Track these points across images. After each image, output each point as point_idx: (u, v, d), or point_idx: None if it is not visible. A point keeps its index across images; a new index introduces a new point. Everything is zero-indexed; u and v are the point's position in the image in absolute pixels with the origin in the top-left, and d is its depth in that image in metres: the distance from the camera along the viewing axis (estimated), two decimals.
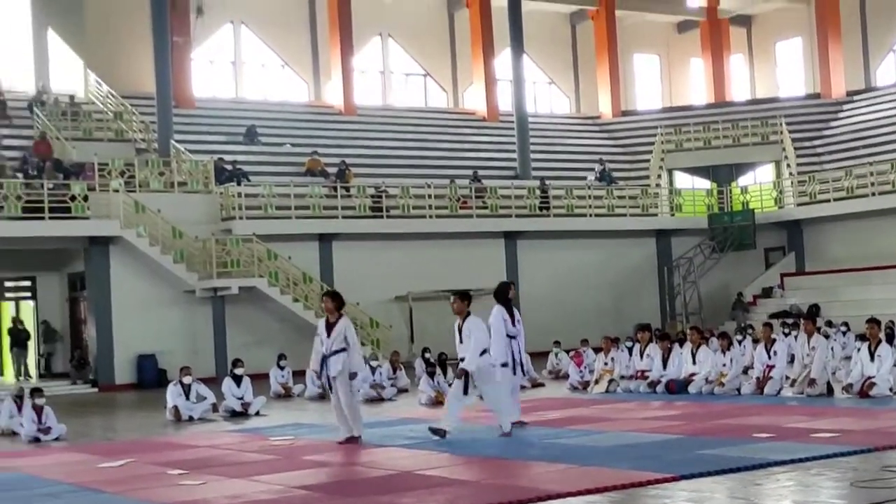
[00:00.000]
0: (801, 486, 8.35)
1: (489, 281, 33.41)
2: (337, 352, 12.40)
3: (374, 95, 42.39)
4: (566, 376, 20.87)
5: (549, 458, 10.16)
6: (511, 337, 13.13)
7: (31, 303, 31.05)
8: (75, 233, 27.21)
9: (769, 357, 16.34)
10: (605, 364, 19.17)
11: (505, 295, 13.54)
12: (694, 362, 17.24)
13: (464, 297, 12.88)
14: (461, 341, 12.56)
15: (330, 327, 12.53)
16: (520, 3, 38.52)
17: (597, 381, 18.96)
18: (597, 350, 20.27)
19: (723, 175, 40.15)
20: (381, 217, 31.75)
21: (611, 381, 18.66)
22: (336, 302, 12.68)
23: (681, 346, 18.02)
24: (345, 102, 39.77)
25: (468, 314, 12.62)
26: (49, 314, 30.56)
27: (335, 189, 31.91)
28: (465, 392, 12.38)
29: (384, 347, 27.13)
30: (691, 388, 16.86)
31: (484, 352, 12.41)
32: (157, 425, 17.13)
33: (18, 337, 29.36)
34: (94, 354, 27.91)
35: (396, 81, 43.39)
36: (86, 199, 27.11)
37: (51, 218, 26.55)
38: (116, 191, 27.73)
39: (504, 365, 12.88)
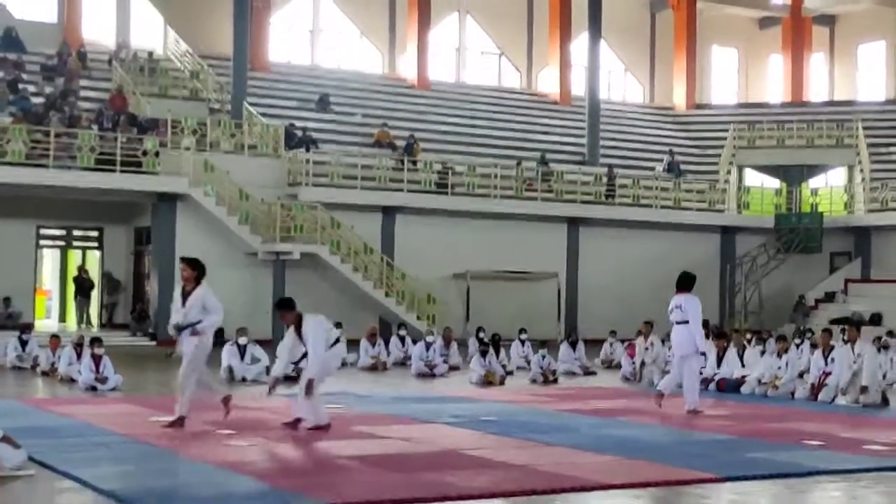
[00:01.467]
0: (849, 497, 8.27)
1: (549, 264, 33.69)
2: (193, 324, 11.62)
3: (448, 71, 42.33)
4: (619, 366, 20.83)
5: (595, 448, 10.15)
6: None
7: (97, 253, 31.57)
8: (145, 188, 27.61)
9: (826, 363, 16.11)
10: (646, 349, 19.27)
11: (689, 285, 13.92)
12: (742, 364, 17.13)
13: (287, 305, 12.04)
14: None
15: (186, 296, 11.76)
16: None
17: (642, 366, 19.01)
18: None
19: (793, 175, 39.56)
20: (446, 194, 31.77)
21: (643, 364, 18.72)
22: (196, 270, 11.88)
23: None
24: (418, 76, 39.78)
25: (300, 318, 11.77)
26: (113, 266, 31.04)
27: (402, 162, 31.99)
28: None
29: (439, 323, 27.16)
30: (744, 389, 16.72)
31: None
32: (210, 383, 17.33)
33: (83, 286, 29.95)
34: (155, 308, 28.33)
35: (471, 59, 43.29)
36: (157, 155, 27.48)
37: (122, 171, 26.95)
38: (187, 149, 28.07)
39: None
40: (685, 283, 14.04)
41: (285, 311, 12.01)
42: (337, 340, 11.85)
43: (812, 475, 9.00)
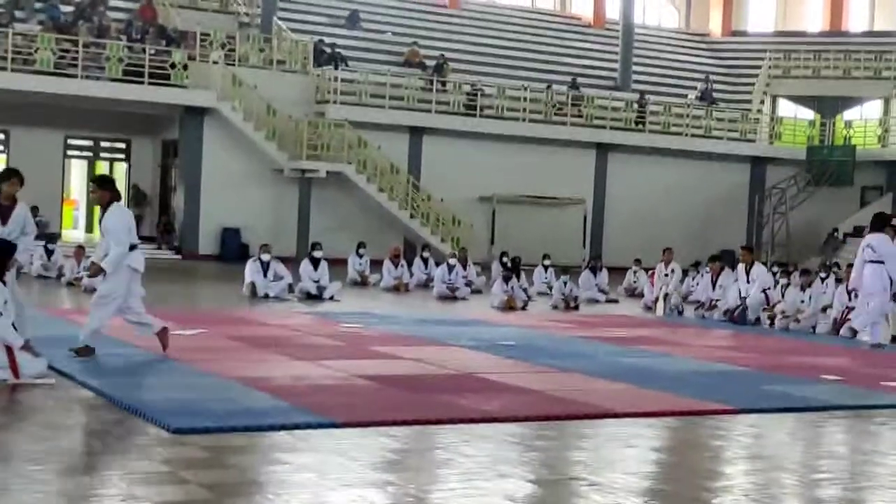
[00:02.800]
0: (864, 433, 8.25)
1: (576, 190, 33.54)
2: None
3: None
4: (642, 295, 20.80)
5: (611, 376, 10.15)
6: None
7: (124, 165, 31.69)
8: (172, 100, 27.58)
9: (850, 299, 16.00)
10: (666, 275, 19.38)
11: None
12: (748, 280, 17.10)
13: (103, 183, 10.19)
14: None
15: (7, 211, 9.71)
16: None
17: (662, 298, 18.92)
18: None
19: (828, 107, 39.02)
20: (475, 116, 31.57)
21: (665, 296, 18.63)
22: (105, 189, 10.03)
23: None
24: None
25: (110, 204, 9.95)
26: (140, 178, 31.17)
27: (431, 83, 31.74)
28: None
29: (463, 246, 27.22)
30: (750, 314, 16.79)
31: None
32: (232, 299, 17.51)
33: None
34: (181, 222, 28.49)
35: None
36: (185, 67, 27.40)
37: (150, 83, 26.91)
38: (216, 63, 27.95)
39: None
40: (879, 223, 14.07)
41: (101, 189, 10.04)
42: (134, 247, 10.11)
43: (828, 409, 8.98)
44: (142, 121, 29.83)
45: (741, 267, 17.40)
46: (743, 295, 17.08)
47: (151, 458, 6.25)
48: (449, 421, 7.65)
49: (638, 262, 23.51)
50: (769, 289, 17.31)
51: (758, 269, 17.47)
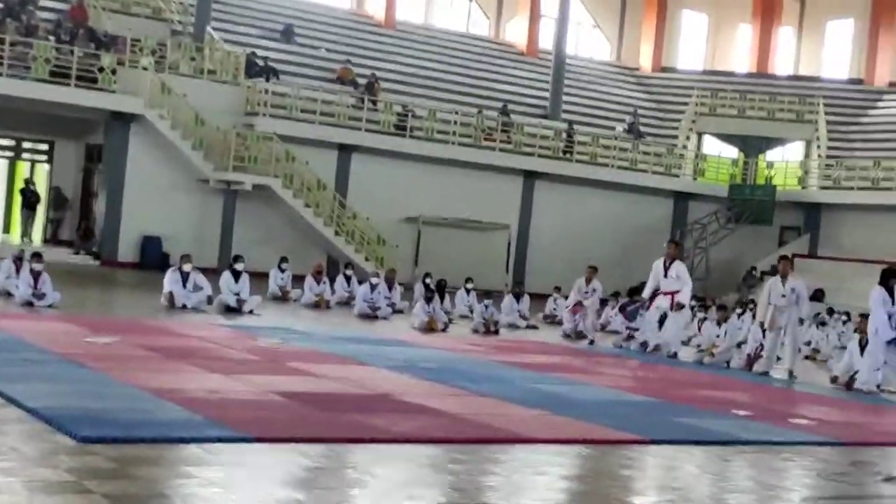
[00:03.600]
0: (769, 468, 8.39)
1: (501, 216, 33.68)
2: None
3: (416, 12, 41.94)
4: (562, 322, 20.95)
5: (526, 402, 10.20)
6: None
7: (46, 167, 31.13)
8: (99, 104, 27.19)
9: (764, 335, 16.30)
10: (586, 292, 19.32)
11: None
12: (665, 276, 16.85)
13: None
14: None
15: None
16: None
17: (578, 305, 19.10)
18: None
19: (752, 146, 39.83)
20: (404, 136, 31.61)
21: (579, 303, 18.90)
22: None
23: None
24: (386, 15, 39.40)
25: None
26: (62, 181, 30.64)
27: (362, 101, 31.74)
28: None
29: (388, 266, 27.18)
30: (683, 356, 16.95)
31: None
32: (150, 308, 17.27)
33: (29, 199, 29.49)
34: (101, 228, 28.04)
35: (440, 1, 42.90)
36: (114, 72, 27.05)
37: (76, 86, 26.51)
38: (146, 69, 27.63)
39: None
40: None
41: None
42: None
43: (736, 444, 9.12)
44: (67, 123, 29.33)
45: (659, 262, 17.00)
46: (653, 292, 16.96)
47: (56, 467, 6.13)
48: (362, 440, 7.63)
49: (558, 289, 23.70)
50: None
51: (678, 267, 16.96)
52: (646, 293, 17.19)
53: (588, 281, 19.73)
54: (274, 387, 9.63)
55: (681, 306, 16.91)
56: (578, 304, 20.71)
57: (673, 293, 16.71)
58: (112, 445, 6.71)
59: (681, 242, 17.76)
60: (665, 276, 16.78)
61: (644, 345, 17.43)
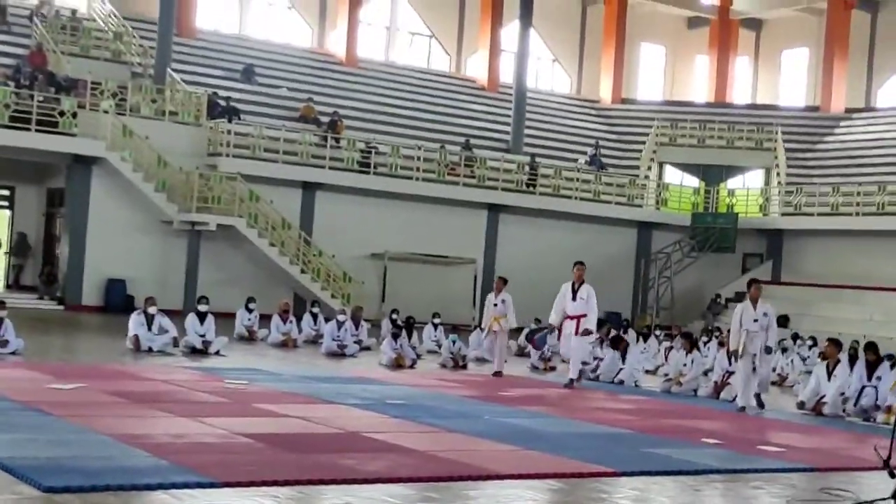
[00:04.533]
0: (739, 497, 8.41)
1: (467, 250, 33.71)
2: None
3: (378, 50, 42.14)
4: (530, 355, 20.96)
5: (496, 436, 10.18)
6: None
7: (6, 213, 30.88)
8: (60, 148, 27.06)
9: (730, 363, 16.37)
10: (495, 304, 18.04)
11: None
12: (574, 299, 16.37)
13: None
14: None
15: None
16: None
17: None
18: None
19: (712, 175, 40.21)
20: (368, 173, 31.65)
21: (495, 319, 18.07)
22: None
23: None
24: (347, 53, 39.55)
25: None
26: (24, 226, 30.42)
27: (325, 139, 31.77)
28: None
29: (354, 303, 27.13)
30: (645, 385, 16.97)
31: None
32: (115, 352, 17.11)
33: None
34: (64, 272, 27.83)
35: (401, 39, 43.15)
36: (74, 115, 26.95)
37: (37, 130, 26.38)
38: (106, 112, 27.55)
39: None
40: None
41: None
42: None
43: (706, 473, 9.14)
44: (28, 168, 29.16)
45: (567, 285, 16.50)
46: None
47: None
48: (332, 481, 7.58)
49: (538, 321, 23.71)
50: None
51: (588, 290, 16.30)
52: (553, 318, 16.57)
53: (498, 292, 18.25)
54: (241, 429, 9.55)
55: (587, 332, 16.32)
56: (533, 339, 20.61)
57: (579, 317, 16.16)
58: (78, 494, 6.62)
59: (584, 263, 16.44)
60: (574, 298, 16.23)
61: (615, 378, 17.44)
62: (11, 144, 26.32)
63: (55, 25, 31.81)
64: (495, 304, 18.00)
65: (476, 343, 21.06)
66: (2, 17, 32.13)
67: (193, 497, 6.87)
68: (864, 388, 14.68)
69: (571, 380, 16.20)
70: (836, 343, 15.35)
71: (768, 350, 14.73)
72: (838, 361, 15.18)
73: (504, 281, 18.49)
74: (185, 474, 7.38)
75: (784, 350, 22.54)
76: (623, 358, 17.88)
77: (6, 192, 30.91)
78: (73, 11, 33.36)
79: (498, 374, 17.44)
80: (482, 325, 19.39)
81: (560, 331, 16.63)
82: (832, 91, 43.44)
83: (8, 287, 29.31)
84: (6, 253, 30.17)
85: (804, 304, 33.29)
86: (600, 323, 19.64)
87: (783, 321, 30.79)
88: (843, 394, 14.76)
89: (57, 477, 6.94)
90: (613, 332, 19.92)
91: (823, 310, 32.69)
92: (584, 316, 16.13)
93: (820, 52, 44.51)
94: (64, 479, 6.91)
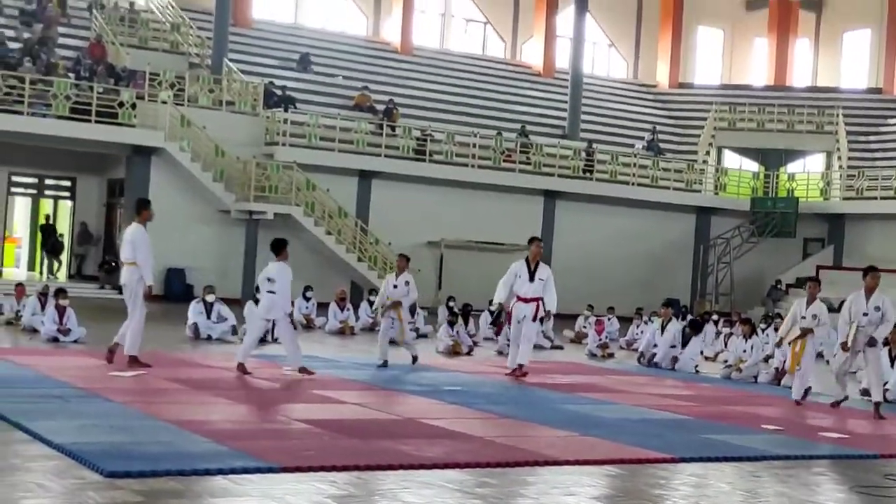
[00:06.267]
0: (801, 483, 8.29)
1: (523, 237, 33.39)
2: None
3: (433, 38, 42.09)
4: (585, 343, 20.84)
5: (553, 423, 10.15)
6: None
7: (69, 203, 31.33)
8: (120, 139, 27.37)
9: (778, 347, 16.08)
10: (395, 287, 15.50)
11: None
12: (532, 279, 14.75)
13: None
14: None
15: None
16: None
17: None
18: (622, 319, 20.28)
19: (772, 159, 39.70)
20: (424, 161, 31.65)
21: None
22: None
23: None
24: (402, 41, 39.55)
25: None
26: (86, 216, 30.82)
27: (381, 127, 31.82)
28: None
29: None
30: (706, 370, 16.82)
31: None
32: (174, 340, 17.29)
33: (49, 235, 29.69)
34: None
35: (456, 26, 43.06)
36: (133, 106, 27.23)
37: (97, 122, 26.71)
38: (165, 102, 27.82)
39: None
40: None
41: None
42: None
43: (766, 460, 9.03)
44: (88, 159, 29.54)
45: (521, 264, 14.89)
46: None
47: (83, 502, 6.12)
48: (389, 467, 7.60)
49: (591, 307, 23.63)
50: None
51: (545, 271, 14.73)
52: (501, 297, 14.99)
53: (399, 272, 15.69)
54: (299, 415, 9.61)
55: (548, 316, 15.10)
56: (600, 321, 20.68)
57: (537, 300, 14.62)
58: (139, 479, 6.70)
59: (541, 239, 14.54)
60: (532, 279, 14.60)
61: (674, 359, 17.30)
62: (72, 136, 26.69)
63: (114, 17, 32.20)
64: (395, 286, 15.45)
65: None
66: (62, 9, 32.54)
67: (252, 482, 6.92)
68: None
69: (520, 365, 14.52)
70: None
71: (872, 342, 13.11)
72: None
73: (407, 259, 16.03)
74: (243, 459, 7.44)
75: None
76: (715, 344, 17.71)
77: (68, 183, 31.35)
78: (132, 3, 33.72)
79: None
80: (374, 308, 18.23)
81: (510, 314, 15.17)
82: (895, 72, 42.64)
83: (70, 277, 29.74)
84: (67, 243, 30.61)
85: None
86: (668, 303, 19.52)
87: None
88: None
89: (119, 462, 7.03)
90: (690, 318, 19.70)
91: (887, 294, 32.06)
92: (541, 299, 14.58)
93: (883, 33, 43.70)
94: (125, 464, 7.00)
